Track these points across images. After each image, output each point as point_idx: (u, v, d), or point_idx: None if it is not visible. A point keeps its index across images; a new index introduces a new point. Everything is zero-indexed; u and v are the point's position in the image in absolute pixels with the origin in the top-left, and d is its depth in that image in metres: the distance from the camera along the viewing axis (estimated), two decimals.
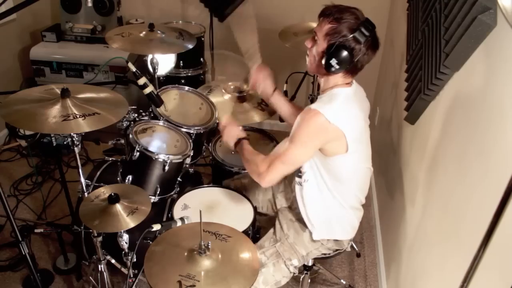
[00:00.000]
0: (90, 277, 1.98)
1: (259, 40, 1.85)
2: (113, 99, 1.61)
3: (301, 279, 1.85)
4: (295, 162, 1.53)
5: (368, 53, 1.43)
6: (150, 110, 2.02)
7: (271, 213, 1.93)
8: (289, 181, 1.87)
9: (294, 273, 1.68)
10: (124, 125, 1.87)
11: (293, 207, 1.81)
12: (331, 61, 1.41)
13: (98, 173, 2.02)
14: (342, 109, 1.45)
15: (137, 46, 2.22)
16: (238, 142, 1.69)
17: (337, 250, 1.74)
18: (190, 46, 2.29)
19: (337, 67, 1.41)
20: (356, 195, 1.63)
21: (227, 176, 2.12)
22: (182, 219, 1.50)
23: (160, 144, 1.92)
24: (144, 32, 2.26)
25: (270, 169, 1.50)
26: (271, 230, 1.74)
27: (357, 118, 1.51)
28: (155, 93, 1.88)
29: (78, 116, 1.44)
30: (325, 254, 1.74)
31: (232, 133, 1.72)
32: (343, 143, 1.45)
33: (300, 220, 1.70)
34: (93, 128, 1.42)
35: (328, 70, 1.43)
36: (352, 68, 1.45)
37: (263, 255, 1.64)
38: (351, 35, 1.38)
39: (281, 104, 1.87)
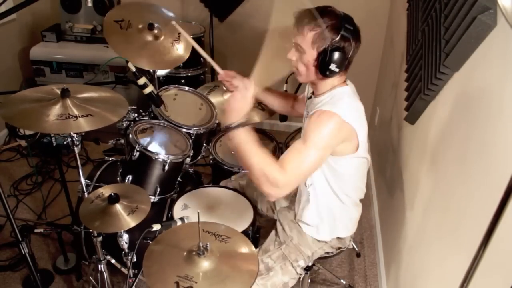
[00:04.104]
0: (90, 277, 1.97)
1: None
2: (113, 98, 1.61)
3: (301, 279, 1.85)
4: (314, 167, 1.40)
5: (357, 46, 1.42)
6: (150, 110, 2.02)
7: (270, 214, 1.92)
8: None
9: (300, 274, 1.67)
10: (124, 125, 1.87)
11: (292, 207, 1.81)
12: (330, 67, 1.40)
13: (98, 173, 2.02)
14: (352, 107, 1.45)
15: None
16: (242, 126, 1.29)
17: (339, 248, 1.74)
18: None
19: (337, 70, 1.41)
20: (359, 187, 1.63)
21: (227, 176, 2.12)
22: (182, 219, 1.50)
23: (160, 144, 1.92)
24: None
25: (285, 177, 1.30)
26: (273, 232, 1.73)
27: (364, 115, 1.50)
28: (155, 93, 1.89)
29: (78, 116, 1.44)
30: (328, 253, 1.74)
31: (242, 106, 1.32)
32: (354, 143, 1.45)
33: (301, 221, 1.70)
34: (93, 127, 1.42)
35: (326, 75, 1.43)
36: (346, 66, 1.45)
37: (270, 259, 1.62)
38: (338, 35, 1.37)
39: (271, 99, 1.93)
